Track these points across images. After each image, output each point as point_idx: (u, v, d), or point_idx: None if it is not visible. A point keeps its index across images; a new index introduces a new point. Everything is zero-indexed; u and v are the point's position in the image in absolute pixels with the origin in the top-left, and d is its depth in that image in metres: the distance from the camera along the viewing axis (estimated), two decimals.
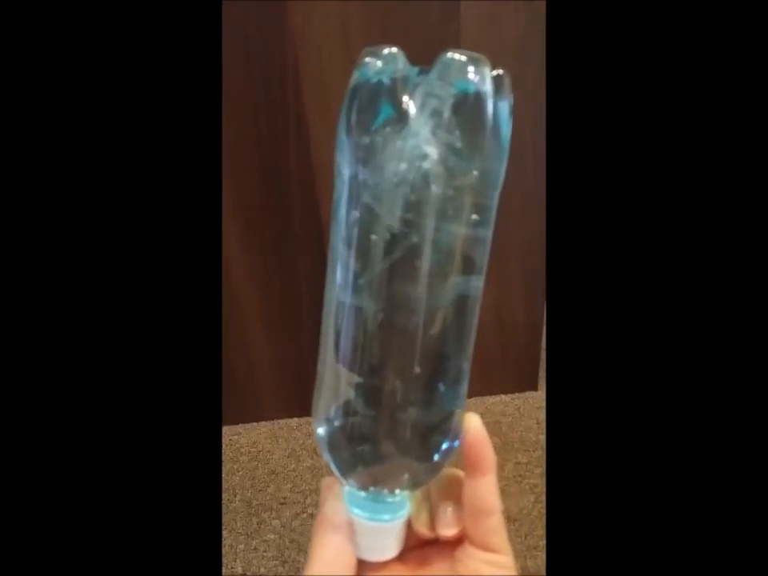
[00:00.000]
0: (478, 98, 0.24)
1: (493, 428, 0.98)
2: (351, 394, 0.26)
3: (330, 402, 0.27)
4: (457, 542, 0.28)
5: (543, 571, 0.77)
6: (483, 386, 1.04)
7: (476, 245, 0.26)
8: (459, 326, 0.27)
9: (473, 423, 0.28)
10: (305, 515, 0.87)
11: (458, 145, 0.24)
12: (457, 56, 0.24)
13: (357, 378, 0.26)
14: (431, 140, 0.24)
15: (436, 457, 0.27)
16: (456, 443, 0.27)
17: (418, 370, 0.26)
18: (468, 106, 0.24)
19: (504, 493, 0.96)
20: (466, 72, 0.24)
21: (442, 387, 0.27)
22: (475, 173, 0.25)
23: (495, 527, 0.27)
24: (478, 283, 0.27)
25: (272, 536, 0.85)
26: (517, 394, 1.05)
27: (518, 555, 0.79)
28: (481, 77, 0.24)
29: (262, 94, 0.72)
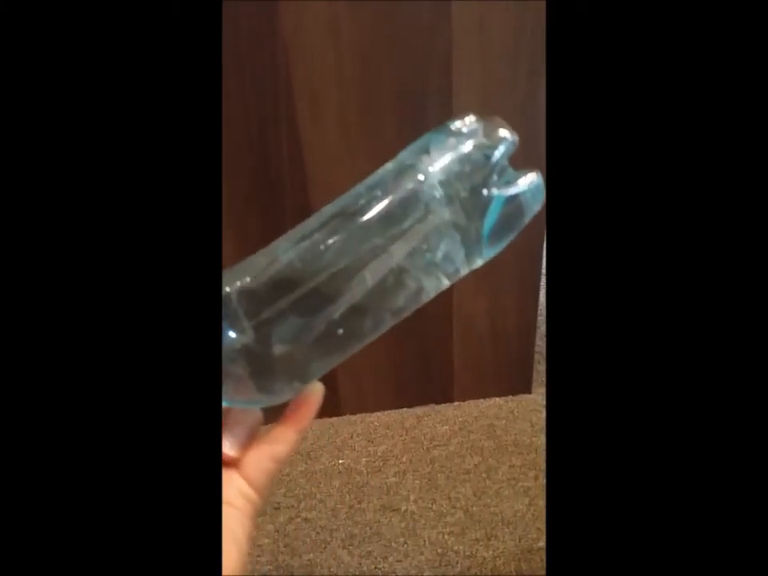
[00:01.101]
0: (509, 201, 0.30)
1: (487, 431, 0.98)
2: (260, 289, 0.27)
3: (251, 277, 0.27)
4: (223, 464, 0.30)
5: (537, 574, 0.77)
6: (477, 389, 1.04)
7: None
8: (398, 304, 0.29)
9: (317, 388, 0.30)
10: (299, 520, 0.87)
11: (464, 196, 0.29)
12: (535, 177, 0.30)
13: (280, 273, 0.27)
14: (450, 179, 0.28)
15: (273, 394, 0.28)
16: (292, 397, 0.29)
17: (341, 307, 0.27)
18: (498, 201, 0.29)
19: (498, 496, 0.96)
20: (522, 185, 0.29)
21: (337, 339, 0.28)
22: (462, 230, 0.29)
23: (270, 472, 0.30)
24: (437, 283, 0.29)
25: (266, 541, 0.85)
26: (510, 397, 1.05)
27: (513, 558, 0.79)
28: (532, 197, 0.30)
29: (254, 98, 0.72)
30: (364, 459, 0.96)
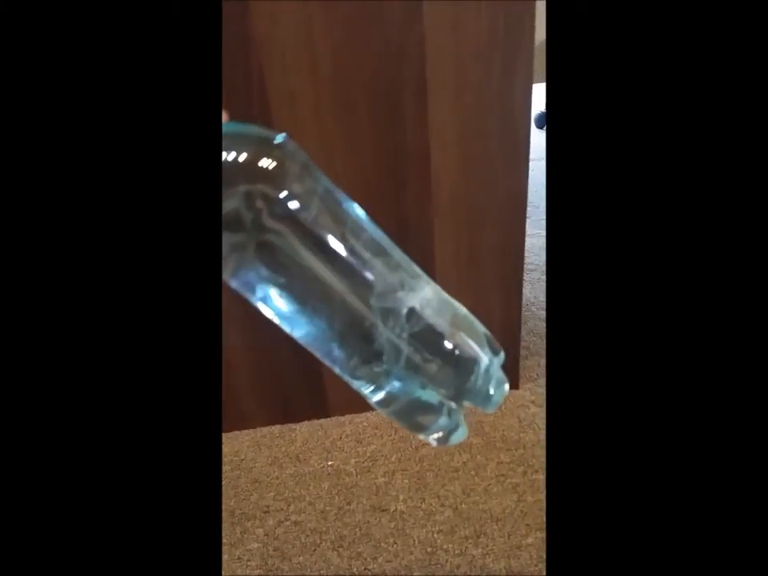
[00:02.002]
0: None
1: (475, 428, 0.98)
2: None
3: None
4: None
5: (527, 571, 0.77)
6: None
7: None
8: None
9: None
10: (288, 523, 0.87)
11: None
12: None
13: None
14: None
15: None
16: None
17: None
18: None
19: (487, 493, 0.96)
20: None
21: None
22: None
23: None
24: None
25: (255, 545, 0.84)
26: None
27: (502, 555, 0.79)
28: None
29: (228, 100, 0.72)
30: (353, 460, 0.96)
